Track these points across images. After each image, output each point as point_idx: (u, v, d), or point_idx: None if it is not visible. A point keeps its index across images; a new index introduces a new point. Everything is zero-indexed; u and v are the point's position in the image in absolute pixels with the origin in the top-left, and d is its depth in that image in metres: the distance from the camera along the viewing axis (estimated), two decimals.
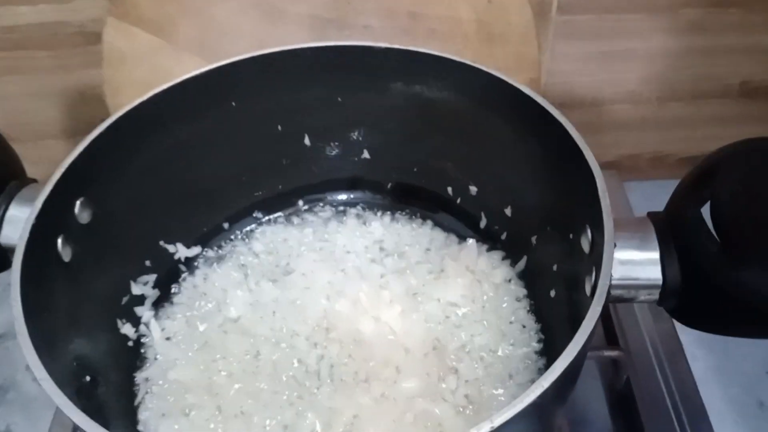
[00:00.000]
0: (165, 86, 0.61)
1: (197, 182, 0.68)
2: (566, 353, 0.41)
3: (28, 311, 0.47)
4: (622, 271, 0.48)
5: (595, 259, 0.48)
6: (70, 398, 0.42)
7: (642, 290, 0.49)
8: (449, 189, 0.72)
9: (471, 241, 0.69)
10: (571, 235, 0.56)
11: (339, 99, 0.69)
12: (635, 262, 0.48)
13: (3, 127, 0.63)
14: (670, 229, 0.48)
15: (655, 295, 0.48)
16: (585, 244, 0.52)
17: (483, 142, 0.65)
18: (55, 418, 0.68)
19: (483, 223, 0.71)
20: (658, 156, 1.05)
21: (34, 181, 0.58)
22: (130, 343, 0.64)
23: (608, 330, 0.71)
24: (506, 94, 0.60)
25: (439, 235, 0.72)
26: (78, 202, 0.56)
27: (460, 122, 0.66)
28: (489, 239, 0.70)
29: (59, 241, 0.54)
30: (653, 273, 0.48)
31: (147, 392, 0.61)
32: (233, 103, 0.66)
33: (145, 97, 0.60)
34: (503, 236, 0.70)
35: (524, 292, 0.66)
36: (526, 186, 0.63)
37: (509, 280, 0.67)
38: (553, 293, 0.62)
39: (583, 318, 0.44)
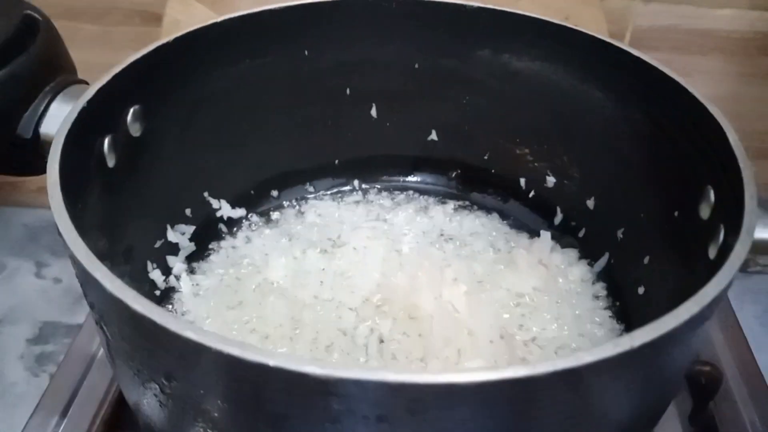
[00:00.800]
0: (239, 13, 0.57)
1: (252, 132, 0.62)
2: (714, 282, 0.33)
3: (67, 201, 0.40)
4: (758, 232, 0.41)
5: (724, 213, 0.41)
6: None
7: None
8: (522, 180, 0.66)
9: (545, 233, 0.62)
10: (676, 213, 0.50)
11: (416, 65, 0.64)
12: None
13: None
14: None
15: None
16: (704, 211, 0.45)
17: (574, 121, 0.60)
18: (35, 411, 0.58)
19: (558, 219, 0.64)
20: None
21: (85, 82, 0.52)
22: (157, 293, 0.57)
23: None
24: (610, 60, 0.55)
25: (506, 228, 0.65)
26: (131, 110, 0.51)
27: (549, 99, 0.60)
28: (564, 236, 0.63)
29: (106, 141, 0.48)
30: None
31: None
32: (306, 52, 0.61)
33: (218, 20, 0.56)
34: (581, 233, 0.63)
35: (604, 292, 0.59)
36: (621, 167, 0.56)
37: (587, 280, 0.60)
38: (641, 290, 0.55)
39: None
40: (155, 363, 0.34)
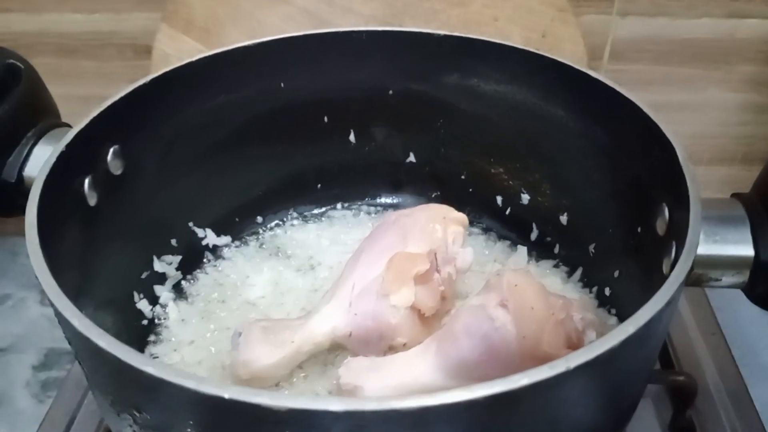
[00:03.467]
0: (213, 51, 0.59)
1: (232, 162, 0.64)
2: (650, 303, 0.35)
3: (44, 242, 0.42)
4: (708, 248, 0.43)
5: (676, 231, 0.43)
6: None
7: (729, 269, 0.43)
8: (499, 198, 0.68)
9: (521, 247, 0.64)
10: (639, 228, 0.51)
11: (390, 92, 0.66)
12: (723, 238, 0.43)
13: None
14: (762, 203, 0.43)
15: (744, 275, 0.43)
16: (660, 226, 0.47)
17: (541, 140, 0.61)
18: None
19: (534, 235, 0.66)
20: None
21: (68, 125, 0.55)
22: (145, 322, 0.59)
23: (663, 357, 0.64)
24: (569, 81, 0.57)
25: (485, 243, 0.67)
26: (111, 150, 0.53)
27: (516, 119, 0.62)
28: (541, 252, 0.65)
29: (86, 181, 0.50)
30: (743, 249, 0.42)
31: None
32: (281, 84, 0.64)
33: (193, 58, 0.58)
34: (556, 249, 0.64)
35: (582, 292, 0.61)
36: (587, 183, 0.58)
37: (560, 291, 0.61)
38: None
39: None
40: (125, 396, 0.36)
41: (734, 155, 0.94)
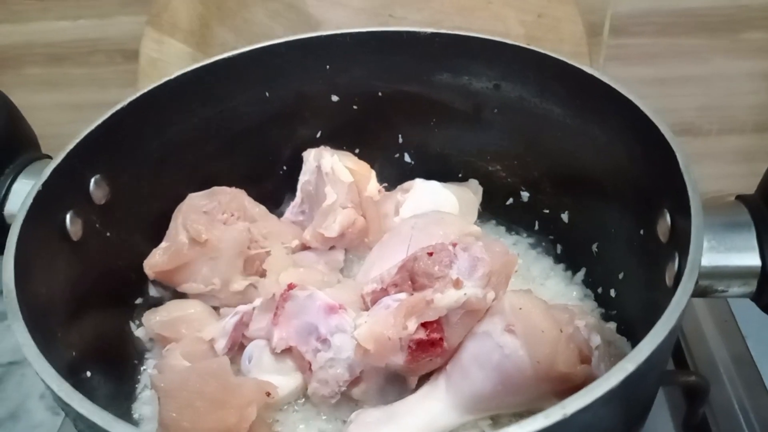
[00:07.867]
0: (193, 66, 0.58)
1: (223, 175, 0.62)
2: (649, 337, 0.33)
3: (23, 287, 0.41)
4: (712, 258, 0.41)
5: (678, 241, 0.41)
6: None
7: (736, 280, 0.41)
8: (498, 196, 0.65)
9: (522, 244, 0.63)
10: (642, 231, 0.49)
11: (379, 93, 0.63)
12: (728, 247, 0.41)
13: None
14: None
15: (752, 285, 0.41)
16: (663, 232, 0.45)
17: (537, 137, 0.59)
18: None
19: (536, 233, 0.64)
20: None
21: (49, 157, 0.53)
22: (145, 353, 0.58)
23: (677, 356, 0.62)
24: (564, 77, 0.54)
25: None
26: (93, 180, 0.51)
27: (512, 116, 0.60)
28: (543, 250, 0.64)
29: (68, 216, 0.49)
30: (749, 259, 0.40)
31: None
32: (266, 93, 0.62)
33: (171, 76, 0.56)
34: (559, 248, 0.62)
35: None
36: (587, 181, 0.56)
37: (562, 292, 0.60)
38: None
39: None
40: None
41: (744, 124, 0.91)
